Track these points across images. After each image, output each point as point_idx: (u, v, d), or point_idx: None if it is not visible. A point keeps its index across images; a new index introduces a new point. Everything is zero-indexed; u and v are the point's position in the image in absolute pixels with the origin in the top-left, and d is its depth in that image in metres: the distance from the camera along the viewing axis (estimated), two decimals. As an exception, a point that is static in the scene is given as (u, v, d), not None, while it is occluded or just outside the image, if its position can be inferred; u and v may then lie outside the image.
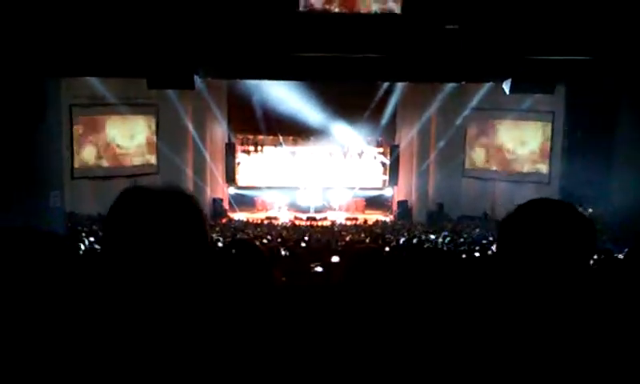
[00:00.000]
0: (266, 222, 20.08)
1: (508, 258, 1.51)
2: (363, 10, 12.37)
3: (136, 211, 1.34)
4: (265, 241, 13.36)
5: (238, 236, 14.52)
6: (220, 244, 12.03)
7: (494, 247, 12.15)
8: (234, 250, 2.28)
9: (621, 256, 9.54)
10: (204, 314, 1.43)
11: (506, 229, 1.54)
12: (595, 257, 8.43)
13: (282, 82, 17.85)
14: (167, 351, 1.31)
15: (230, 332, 1.50)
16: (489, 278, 1.64)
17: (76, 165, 17.91)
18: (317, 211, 21.49)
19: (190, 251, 1.36)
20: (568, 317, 1.46)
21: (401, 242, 13.81)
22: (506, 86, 13.66)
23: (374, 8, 12.38)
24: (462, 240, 14.33)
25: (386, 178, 22.10)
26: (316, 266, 4.79)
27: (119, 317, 1.32)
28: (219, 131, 21.31)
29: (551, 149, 18.84)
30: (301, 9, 11.83)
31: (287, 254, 8.89)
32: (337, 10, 12.33)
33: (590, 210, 13.73)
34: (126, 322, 1.31)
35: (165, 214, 1.34)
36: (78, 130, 18.08)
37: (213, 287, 2.06)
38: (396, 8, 12.20)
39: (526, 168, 19.34)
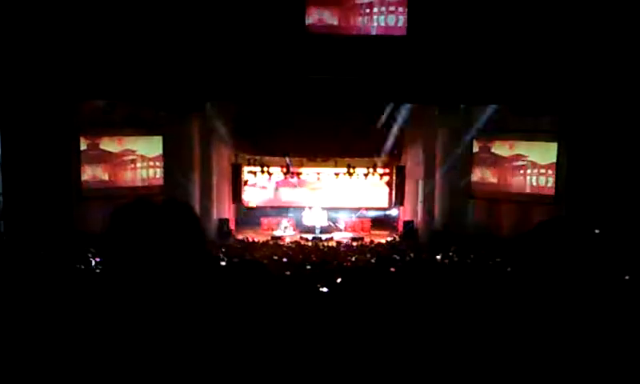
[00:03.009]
0: (271, 242, 20.07)
1: (525, 275, 1.53)
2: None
3: (134, 221, 1.37)
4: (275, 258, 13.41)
5: (245, 256, 14.54)
6: (223, 263, 12.01)
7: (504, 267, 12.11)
8: (242, 271, 2.31)
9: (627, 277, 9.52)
10: (203, 322, 1.44)
11: (525, 246, 1.57)
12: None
13: (287, 102, 17.96)
14: (166, 355, 1.33)
15: (233, 346, 1.51)
16: (502, 295, 1.66)
17: (83, 185, 17.97)
18: (322, 231, 21.46)
19: (188, 259, 1.38)
20: (587, 334, 1.48)
21: (407, 262, 13.77)
22: (511, 108, 13.70)
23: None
24: (468, 261, 14.27)
25: (392, 198, 22.10)
26: (321, 286, 4.81)
27: (120, 322, 1.34)
28: (225, 152, 21.36)
29: (557, 169, 18.80)
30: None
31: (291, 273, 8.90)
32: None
33: (597, 231, 13.66)
34: (127, 327, 1.33)
35: (162, 224, 1.37)
36: (85, 149, 18.16)
37: (217, 301, 2.10)
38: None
39: (532, 189, 19.29)
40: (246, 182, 21.98)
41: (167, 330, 1.36)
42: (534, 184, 19.33)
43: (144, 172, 19.24)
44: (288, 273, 8.76)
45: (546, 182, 19.13)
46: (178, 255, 1.38)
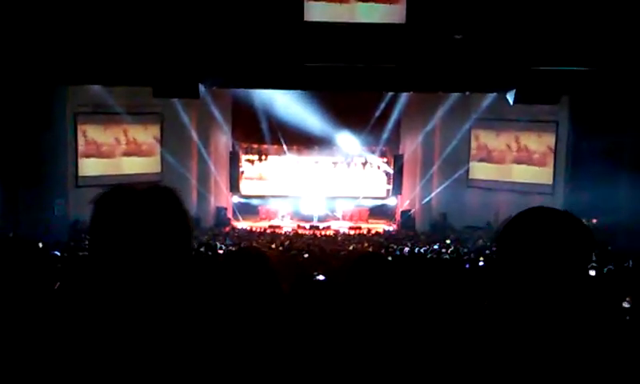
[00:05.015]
0: (269, 230, 20.08)
1: (505, 265, 1.52)
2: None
3: (118, 209, 1.33)
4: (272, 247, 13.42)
5: (242, 244, 14.53)
6: (221, 251, 12.02)
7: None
8: (241, 258, 2.28)
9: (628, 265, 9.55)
10: (195, 315, 1.41)
11: (504, 236, 1.55)
12: (606, 268, 8.43)
13: (286, 91, 17.91)
14: (157, 352, 1.30)
15: (230, 337, 1.50)
16: (487, 285, 1.66)
17: (80, 173, 17.94)
18: (320, 220, 21.47)
19: (174, 249, 1.35)
20: (564, 324, 1.46)
21: (404, 251, 13.79)
22: (510, 97, 13.68)
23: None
24: (465, 250, 14.30)
25: (390, 187, 22.08)
26: (318, 274, 4.79)
27: (106, 317, 1.30)
28: (223, 140, 21.33)
29: (555, 159, 18.81)
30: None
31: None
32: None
33: (595, 221, 13.68)
34: (113, 322, 1.30)
35: (147, 211, 1.33)
36: (82, 138, 18.13)
37: (216, 293, 2.08)
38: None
39: (530, 178, 19.29)
40: (243, 173, 21.91)
41: (153, 324, 1.32)
42: (532, 173, 19.33)
43: (141, 160, 19.22)
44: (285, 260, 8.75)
45: (543, 171, 19.14)
46: (160, 245, 1.33)
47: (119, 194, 1.37)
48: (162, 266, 1.34)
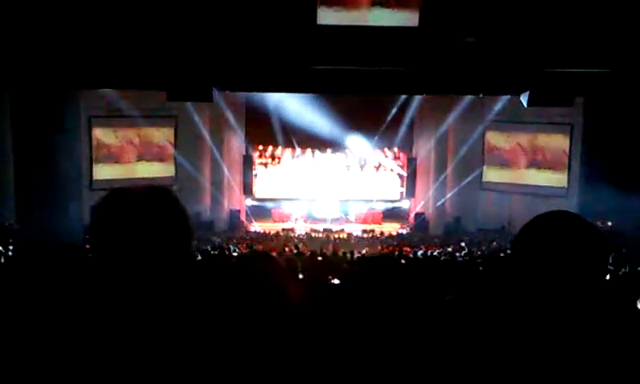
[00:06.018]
0: (282, 233, 20.08)
1: (521, 269, 1.51)
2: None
3: (118, 212, 1.34)
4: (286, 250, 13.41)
5: (255, 247, 14.56)
6: (235, 254, 12.04)
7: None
8: (250, 263, 2.28)
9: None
10: (195, 317, 1.41)
11: (521, 240, 1.53)
12: (621, 271, 8.36)
13: (299, 94, 17.91)
14: (156, 353, 1.30)
15: (228, 341, 1.48)
16: (501, 288, 1.64)
17: (95, 176, 18.06)
18: (333, 223, 21.45)
19: (174, 252, 1.35)
20: (580, 327, 1.45)
21: (418, 254, 13.75)
22: (524, 99, 13.60)
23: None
24: (479, 253, 14.24)
25: (403, 190, 22.03)
26: (333, 278, 4.78)
27: (108, 319, 1.31)
28: (237, 143, 21.38)
29: (569, 162, 18.70)
30: None
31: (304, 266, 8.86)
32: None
33: (610, 224, 13.58)
34: (114, 324, 1.30)
35: (146, 214, 1.33)
36: (96, 141, 18.24)
37: (220, 297, 2.07)
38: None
39: (544, 181, 19.18)
40: (256, 176, 21.95)
41: (152, 326, 1.33)
42: (546, 176, 19.22)
43: (155, 163, 19.31)
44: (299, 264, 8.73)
45: (557, 174, 19.03)
46: (158, 248, 1.34)
47: (116, 197, 1.37)
48: (161, 268, 1.34)
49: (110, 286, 1.33)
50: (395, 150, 21.72)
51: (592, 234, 1.48)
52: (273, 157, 22.02)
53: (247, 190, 21.77)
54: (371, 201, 22.20)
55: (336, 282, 4.32)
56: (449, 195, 20.38)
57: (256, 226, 21.23)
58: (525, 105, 13.62)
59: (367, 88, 14.11)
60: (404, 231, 21.27)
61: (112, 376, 1.28)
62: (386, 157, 21.90)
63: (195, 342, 1.37)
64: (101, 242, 1.34)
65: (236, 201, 21.53)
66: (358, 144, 20.98)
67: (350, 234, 20.18)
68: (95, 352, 1.29)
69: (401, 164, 21.99)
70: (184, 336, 1.36)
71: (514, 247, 1.56)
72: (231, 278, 2.13)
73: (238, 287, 2.10)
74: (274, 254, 9.87)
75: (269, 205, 22.23)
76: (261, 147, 21.90)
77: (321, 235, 19.96)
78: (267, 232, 20.26)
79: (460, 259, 12.39)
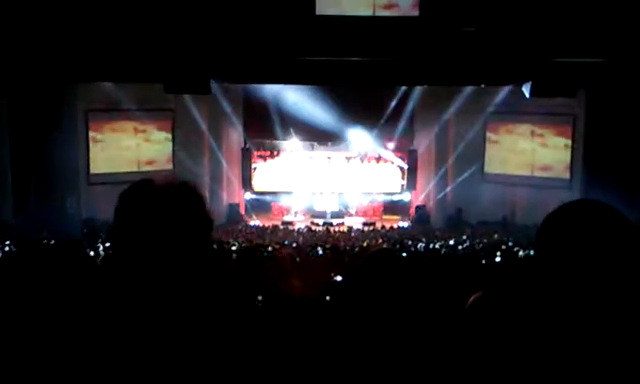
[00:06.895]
0: (281, 227, 19.99)
1: (549, 262, 1.40)
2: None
3: (142, 202, 1.36)
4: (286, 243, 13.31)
5: (255, 242, 14.46)
6: (234, 248, 11.94)
7: (517, 252, 11.95)
8: (255, 257, 2.25)
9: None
10: (210, 310, 1.42)
11: (547, 231, 1.42)
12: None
13: (298, 86, 17.80)
14: (172, 346, 1.31)
15: (236, 333, 1.47)
16: (524, 282, 1.55)
17: (92, 170, 17.95)
18: (333, 216, 21.35)
19: (194, 243, 1.37)
20: (613, 323, 1.34)
21: (419, 247, 13.66)
22: (526, 90, 13.48)
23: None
24: (481, 245, 14.15)
25: (404, 182, 21.91)
26: (336, 275, 4.68)
27: (125, 313, 1.31)
28: (235, 136, 21.29)
29: (572, 153, 18.58)
30: None
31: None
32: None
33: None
34: (132, 318, 1.31)
35: (169, 206, 1.36)
36: (93, 135, 18.13)
37: (223, 288, 2.05)
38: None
39: (547, 173, 19.08)
40: (255, 169, 21.86)
41: (172, 320, 1.33)
42: (548, 168, 19.13)
43: (153, 156, 19.21)
44: (298, 259, 8.65)
45: (560, 165, 18.93)
46: (182, 240, 1.35)
47: (142, 188, 1.39)
48: (184, 261, 1.36)
49: (132, 279, 1.34)
50: (396, 142, 21.59)
51: (625, 225, 1.39)
52: (272, 150, 21.90)
53: (246, 183, 21.66)
54: (372, 194, 22.10)
55: (339, 278, 4.23)
56: (450, 187, 20.27)
57: (255, 220, 21.13)
58: (527, 95, 13.51)
59: (367, 79, 14.01)
60: (405, 224, 21.16)
61: (128, 367, 1.28)
62: (387, 149, 21.78)
63: (211, 336, 1.37)
64: (124, 236, 1.36)
65: (235, 194, 21.45)
66: (358, 136, 20.84)
67: (350, 228, 20.08)
68: (108, 346, 1.28)
69: (401, 156, 21.88)
70: (201, 329, 1.36)
71: (540, 239, 1.44)
72: (235, 271, 2.12)
73: (242, 279, 2.10)
74: (274, 247, 9.77)
75: (268, 198, 22.11)
76: (259, 140, 21.78)
77: (321, 229, 19.86)
78: (266, 226, 20.14)
79: (461, 252, 12.30)
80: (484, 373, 1.46)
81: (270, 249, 8.77)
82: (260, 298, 2.21)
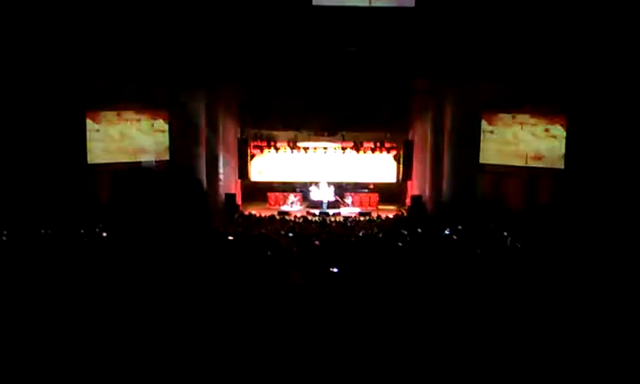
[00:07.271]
0: (278, 217, 20.04)
1: (528, 251, 1.49)
2: None
3: (133, 188, 1.35)
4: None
5: (252, 231, 14.51)
6: (231, 238, 11.93)
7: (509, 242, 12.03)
8: (257, 245, 2.26)
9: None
10: (210, 298, 1.40)
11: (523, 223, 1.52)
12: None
13: (294, 76, 17.80)
14: (174, 335, 1.30)
15: (240, 324, 1.47)
16: (505, 271, 1.62)
17: (89, 161, 17.98)
18: (329, 206, 21.42)
19: (191, 229, 1.36)
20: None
21: (415, 236, 13.72)
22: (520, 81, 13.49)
23: None
24: (475, 235, 14.19)
25: (400, 172, 21.99)
26: (331, 265, 4.72)
27: (125, 296, 1.31)
28: (232, 127, 21.29)
29: (567, 143, 18.63)
30: None
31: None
32: None
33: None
34: (132, 301, 1.30)
35: (162, 191, 1.35)
36: (91, 125, 18.14)
37: (226, 275, 2.07)
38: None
39: (542, 163, 19.14)
40: (252, 156, 21.92)
41: (171, 305, 1.33)
42: (543, 158, 19.17)
43: (150, 146, 19.21)
44: (295, 249, 8.69)
45: (554, 155, 18.97)
46: (180, 224, 1.35)
47: (137, 174, 1.40)
48: (181, 245, 1.35)
49: (129, 262, 1.33)
50: (392, 132, 21.64)
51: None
52: (268, 140, 21.94)
53: (242, 173, 21.70)
54: (367, 184, 22.17)
55: (335, 270, 4.28)
56: (445, 177, 20.31)
57: (252, 210, 21.17)
58: (521, 87, 13.52)
59: (362, 69, 14.04)
60: (401, 214, 21.23)
61: (130, 351, 1.28)
62: (383, 139, 21.84)
63: (210, 320, 1.36)
64: (121, 220, 1.36)
65: (231, 185, 21.47)
66: (354, 127, 20.88)
67: (346, 218, 20.14)
68: (108, 330, 1.28)
69: (397, 146, 21.93)
70: (201, 313, 1.35)
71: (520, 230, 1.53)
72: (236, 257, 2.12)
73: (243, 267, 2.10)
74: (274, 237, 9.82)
75: (264, 188, 22.16)
76: (256, 131, 21.82)
77: (317, 219, 19.92)
78: (263, 216, 20.19)
79: (456, 240, 12.36)
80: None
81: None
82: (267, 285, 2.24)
